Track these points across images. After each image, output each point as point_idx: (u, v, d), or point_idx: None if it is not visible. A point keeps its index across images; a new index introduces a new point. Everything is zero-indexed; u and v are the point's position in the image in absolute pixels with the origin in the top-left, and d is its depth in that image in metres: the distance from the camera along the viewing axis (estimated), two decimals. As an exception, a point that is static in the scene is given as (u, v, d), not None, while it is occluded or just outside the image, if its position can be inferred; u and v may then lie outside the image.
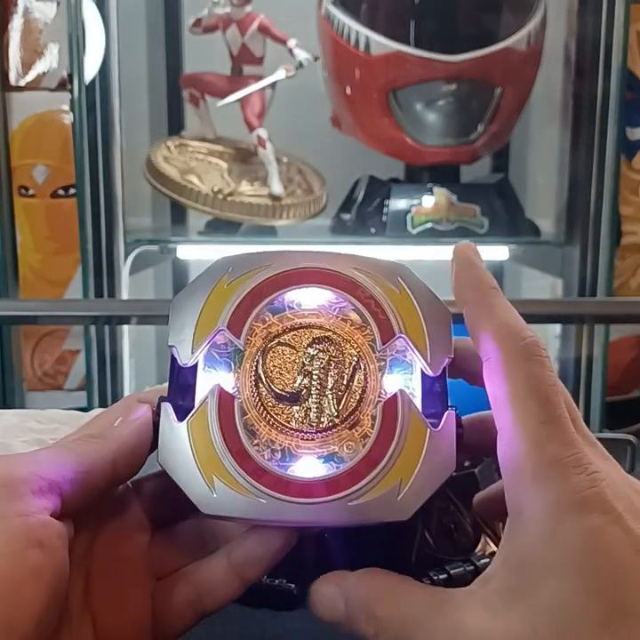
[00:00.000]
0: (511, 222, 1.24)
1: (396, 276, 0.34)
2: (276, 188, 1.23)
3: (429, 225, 1.21)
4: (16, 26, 1.12)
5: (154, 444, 0.32)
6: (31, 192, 1.17)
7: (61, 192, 1.17)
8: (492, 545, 0.48)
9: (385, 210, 1.22)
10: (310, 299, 0.33)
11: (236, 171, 1.28)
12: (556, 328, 1.27)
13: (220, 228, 1.26)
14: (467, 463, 0.50)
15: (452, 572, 0.45)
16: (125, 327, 1.22)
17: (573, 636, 0.26)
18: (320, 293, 0.33)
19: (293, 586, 0.43)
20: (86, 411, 0.81)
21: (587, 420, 1.16)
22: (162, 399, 0.33)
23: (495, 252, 1.27)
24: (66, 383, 1.25)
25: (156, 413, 0.33)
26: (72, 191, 1.16)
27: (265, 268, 0.33)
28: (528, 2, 1.19)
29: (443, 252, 1.24)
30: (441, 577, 0.45)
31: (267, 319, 0.33)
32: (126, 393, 1.23)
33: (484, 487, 0.46)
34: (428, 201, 1.21)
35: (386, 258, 0.35)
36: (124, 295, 1.19)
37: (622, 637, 0.25)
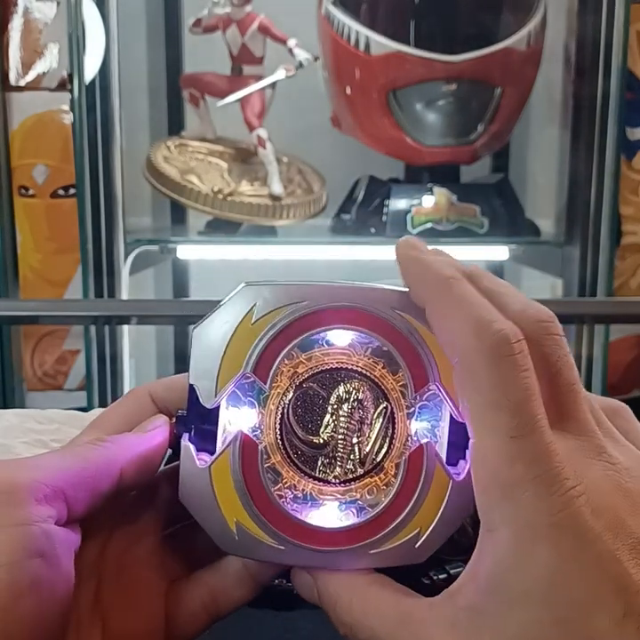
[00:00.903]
0: (511, 222, 1.24)
1: None
2: (276, 188, 1.23)
3: (429, 225, 1.21)
4: (16, 26, 1.12)
5: (174, 452, 0.32)
6: (31, 192, 1.17)
7: (61, 192, 1.17)
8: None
9: (385, 210, 1.22)
10: (342, 336, 0.32)
11: (236, 171, 1.28)
12: (556, 328, 1.26)
13: (220, 227, 1.26)
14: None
15: (451, 571, 0.45)
16: (125, 327, 1.21)
17: None
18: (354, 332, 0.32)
19: (293, 586, 0.43)
20: (86, 411, 0.81)
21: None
22: (180, 425, 0.32)
23: (495, 252, 1.27)
24: (66, 383, 1.25)
25: (173, 432, 0.32)
26: (72, 191, 1.16)
27: (294, 305, 0.31)
28: (528, 2, 1.19)
29: (443, 252, 1.23)
30: (441, 577, 0.45)
31: (294, 355, 0.31)
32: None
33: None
34: (428, 201, 1.21)
35: (387, 261, 0.33)
36: (124, 295, 1.19)
37: None
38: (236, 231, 1.25)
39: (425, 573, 0.45)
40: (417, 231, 1.21)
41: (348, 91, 1.21)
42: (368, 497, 0.31)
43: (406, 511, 0.31)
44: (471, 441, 0.28)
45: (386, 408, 0.31)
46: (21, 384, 1.24)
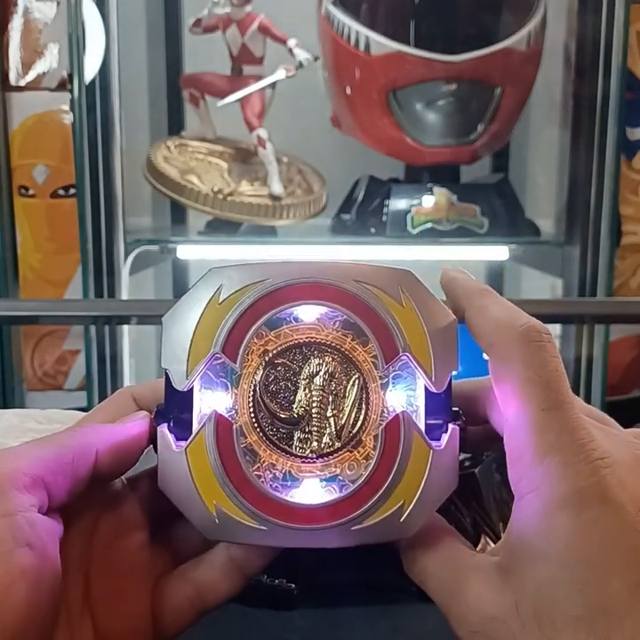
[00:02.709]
0: (511, 222, 1.24)
1: (399, 286, 0.32)
2: (276, 188, 1.23)
3: (429, 225, 1.21)
4: (16, 26, 1.12)
5: (152, 445, 0.32)
6: (31, 192, 1.17)
7: (61, 192, 1.17)
8: (491, 545, 0.48)
9: (385, 210, 1.22)
10: (310, 311, 0.32)
11: (236, 171, 1.27)
12: (556, 328, 1.27)
13: (220, 228, 1.26)
14: (467, 463, 0.50)
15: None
16: (125, 327, 1.21)
17: (550, 623, 0.26)
18: (321, 307, 0.32)
19: (293, 586, 0.43)
20: (86, 411, 0.81)
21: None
22: (159, 418, 0.32)
23: (495, 252, 1.27)
24: (66, 383, 1.25)
25: (152, 425, 0.32)
26: (72, 191, 1.16)
27: (260, 284, 0.31)
28: (528, 2, 1.19)
29: (443, 252, 1.24)
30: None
31: (263, 334, 0.31)
32: (126, 393, 1.23)
33: (484, 487, 0.46)
34: (428, 201, 1.21)
35: (387, 261, 0.33)
36: (124, 295, 1.19)
37: (599, 634, 0.25)
38: (236, 231, 1.24)
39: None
40: (417, 231, 1.21)
41: (348, 91, 1.21)
42: (349, 473, 0.31)
43: (387, 483, 0.30)
44: (506, 420, 0.30)
45: (358, 380, 0.31)
46: (21, 384, 1.24)
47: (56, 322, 1.15)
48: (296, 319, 0.32)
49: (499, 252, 1.26)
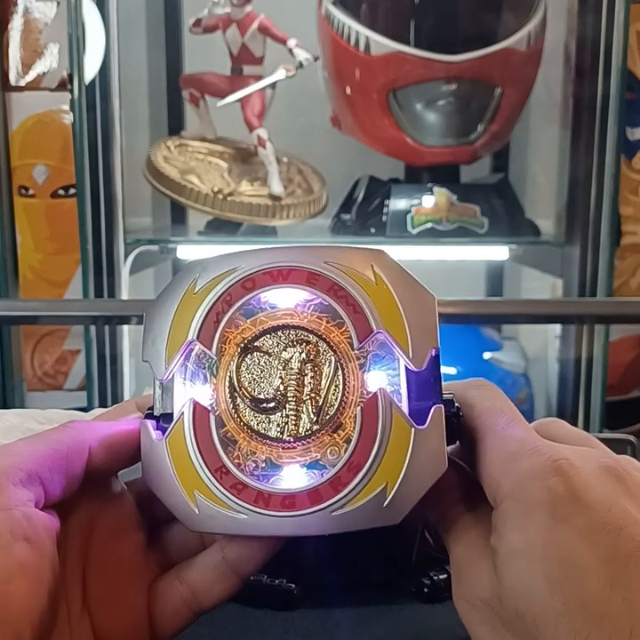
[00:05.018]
0: (511, 222, 1.24)
1: (371, 264, 0.31)
2: (276, 188, 1.23)
3: (429, 225, 1.21)
4: (16, 26, 1.12)
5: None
6: (31, 192, 1.17)
7: (61, 192, 1.17)
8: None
9: (385, 210, 1.22)
10: (284, 297, 0.32)
11: (236, 171, 1.28)
12: (556, 328, 1.27)
13: (220, 228, 1.26)
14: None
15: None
16: (125, 327, 1.21)
17: (530, 618, 0.26)
18: (294, 291, 0.32)
19: (293, 586, 0.43)
20: (86, 411, 0.81)
21: (587, 420, 1.16)
22: (149, 417, 0.32)
23: (495, 252, 1.27)
24: (66, 383, 1.25)
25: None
26: (72, 191, 1.16)
27: (233, 271, 0.32)
28: (528, 2, 1.19)
29: (443, 252, 1.24)
30: (441, 577, 0.45)
31: (240, 323, 0.31)
32: (126, 393, 1.23)
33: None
34: (428, 201, 1.21)
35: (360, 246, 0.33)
36: (124, 295, 1.19)
37: (580, 632, 0.25)
38: (236, 231, 1.24)
39: (425, 573, 0.45)
40: (417, 231, 1.21)
41: (348, 91, 1.21)
42: (330, 458, 0.30)
43: (367, 464, 0.29)
44: (479, 446, 0.31)
45: (334, 361, 0.31)
46: (21, 384, 1.24)
47: (56, 322, 1.15)
48: (272, 306, 0.32)
49: (499, 252, 1.26)
